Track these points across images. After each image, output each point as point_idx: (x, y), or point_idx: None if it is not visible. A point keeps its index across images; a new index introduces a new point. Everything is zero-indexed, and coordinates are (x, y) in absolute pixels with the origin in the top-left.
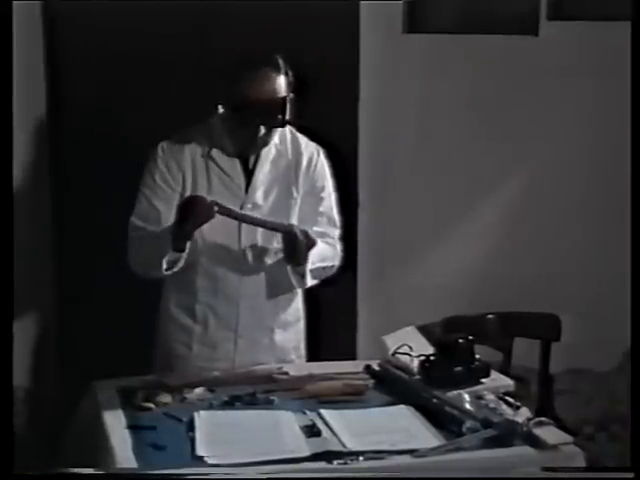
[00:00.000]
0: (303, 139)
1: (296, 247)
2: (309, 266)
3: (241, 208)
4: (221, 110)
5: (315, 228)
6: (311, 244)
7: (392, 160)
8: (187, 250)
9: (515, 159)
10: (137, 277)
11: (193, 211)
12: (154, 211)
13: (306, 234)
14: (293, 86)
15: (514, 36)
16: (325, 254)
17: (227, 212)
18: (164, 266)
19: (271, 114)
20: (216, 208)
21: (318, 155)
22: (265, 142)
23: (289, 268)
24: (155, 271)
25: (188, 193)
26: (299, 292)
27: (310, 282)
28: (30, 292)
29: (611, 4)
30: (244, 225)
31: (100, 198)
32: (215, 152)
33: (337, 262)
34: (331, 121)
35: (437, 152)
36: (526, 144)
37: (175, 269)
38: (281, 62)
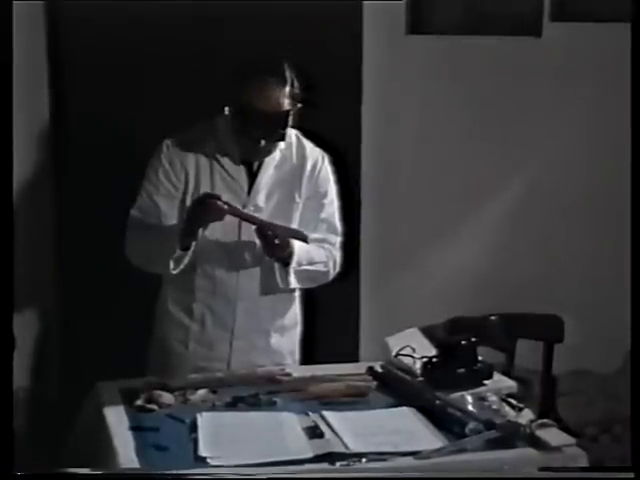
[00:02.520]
0: (308, 144)
1: (266, 240)
2: (294, 265)
3: (242, 209)
4: (227, 112)
5: (314, 234)
6: (283, 241)
7: (394, 161)
8: (192, 248)
9: (517, 160)
10: (139, 276)
11: (205, 209)
12: (154, 207)
13: (274, 231)
14: (299, 96)
15: (517, 37)
16: (314, 257)
17: (237, 213)
18: (171, 266)
19: (272, 128)
20: (226, 207)
21: (323, 161)
22: (269, 152)
23: (275, 265)
24: (160, 269)
25: (190, 192)
26: (297, 297)
27: (296, 284)
28: (31, 293)
29: (614, 5)
30: (243, 232)
31: (102, 198)
32: (220, 153)
33: (332, 268)
34: (334, 122)
35: (440, 153)
36: (528, 145)
37: (181, 266)
38: (287, 73)
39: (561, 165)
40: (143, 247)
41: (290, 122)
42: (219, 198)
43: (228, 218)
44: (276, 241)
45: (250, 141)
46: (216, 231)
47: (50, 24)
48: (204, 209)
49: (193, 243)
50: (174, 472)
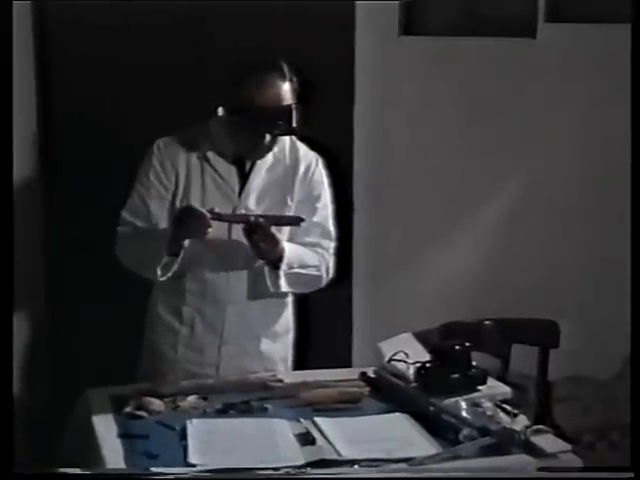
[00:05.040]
0: (302, 147)
1: (253, 241)
2: (284, 267)
3: (233, 212)
4: (221, 113)
5: (307, 239)
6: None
7: (388, 164)
8: (181, 255)
9: (513, 163)
10: (130, 282)
11: (187, 223)
12: (145, 208)
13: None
14: (298, 92)
15: (511, 38)
16: (306, 260)
17: (224, 219)
18: (159, 272)
19: (277, 122)
20: (208, 223)
21: (316, 164)
22: (269, 149)
23: (265, 268)
24: (148, 273)
25: (181, 193)
26: (290, 303)
27: (287, 288)
28: (21, 298)
29: (608, 6)
30: (233, 234)
31: (93, 203)
32: (211, 154)
33: (324, 273)
34: (326, 124)
35: (433, 156)
36: (524, 147)
37: (169, 274)
38: (286, 69)
39: (558, 168)
40: (133, 250)
41: (295, 117)
42: (200, 215)
43: (219, 230)
44: (262, 245)
45: (252, 138)
46: (206, 246)
47: (38, 24)
48: (185, 222)
49: (182, 250)
50: (170, 472)
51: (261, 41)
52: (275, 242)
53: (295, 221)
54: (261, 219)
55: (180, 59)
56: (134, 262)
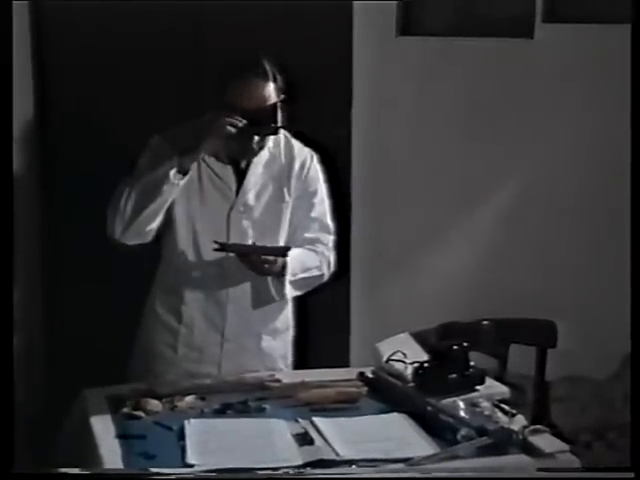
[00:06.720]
0: (297, 144)
1: (253, 267)
2: (289, 277)
3: (231, 209)
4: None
5: (306, 234)
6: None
7: (385, 164)
8: (189, 174)
9: (511, 164)
10: (126, 282)
11: (217, 121)
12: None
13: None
14: (283, 91)
15: (509, 39)
16: (309, 264)
17: (224, 248)
18: (170, 177)
19: (262, 123)
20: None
21: (312, 160)
22: (260, 148)
23: (269, 278)
24: (152, 198)
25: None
26: (289, 300)
27: (292, 293)
28: (19, 298)
29: (606, 7)
30: (232, 232)
31: (91, 203)
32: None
33: (326, 270)
34: (323, 124)
35: (431, 156)
36: (521, 148)
37: (177, 185)
38: (268, 68)
39: (556, 169)
40: (131, 195)
41: (280, 116)
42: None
43: (217, 229)
44: (257, 268)
45: (242, 139)
46: (205, 239)
47: (35, 24)
48: (215, 123)
49: (190, 171)
50: (168, 472)
51: (259, 41)
52: (271, 263)
53: (282, 252)
54: (251, 249)
55: (177, 59)
56: (129, 214)
